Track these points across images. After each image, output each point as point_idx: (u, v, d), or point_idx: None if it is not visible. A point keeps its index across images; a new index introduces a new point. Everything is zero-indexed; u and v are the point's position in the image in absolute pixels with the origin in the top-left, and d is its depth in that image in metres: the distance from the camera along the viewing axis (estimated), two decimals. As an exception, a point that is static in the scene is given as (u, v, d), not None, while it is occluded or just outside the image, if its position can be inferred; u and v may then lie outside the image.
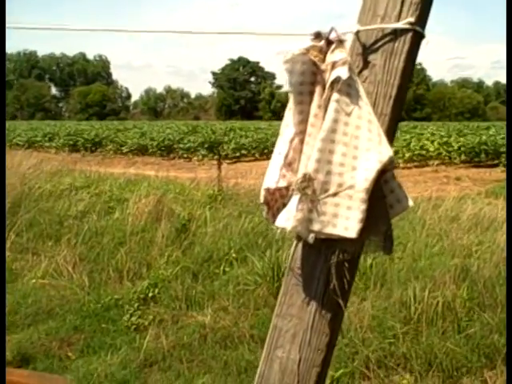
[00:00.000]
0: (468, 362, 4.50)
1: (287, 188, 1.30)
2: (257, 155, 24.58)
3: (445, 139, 24.13)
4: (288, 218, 1.22)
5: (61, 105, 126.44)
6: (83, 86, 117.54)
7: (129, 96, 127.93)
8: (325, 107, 1.23)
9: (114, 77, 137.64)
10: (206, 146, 24.30)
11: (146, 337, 5.17)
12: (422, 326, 4.96)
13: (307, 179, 1.18)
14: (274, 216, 1.32)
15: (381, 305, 5.28)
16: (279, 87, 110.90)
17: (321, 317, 1.25)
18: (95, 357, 4.94)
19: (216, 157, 17.49)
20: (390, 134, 1.27)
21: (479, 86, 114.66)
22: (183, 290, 5.80)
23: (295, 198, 1.21)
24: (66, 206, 8.27)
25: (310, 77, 1.26)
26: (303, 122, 1.26)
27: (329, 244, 1.24)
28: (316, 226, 1.20)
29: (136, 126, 41.88)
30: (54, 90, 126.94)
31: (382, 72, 1.29)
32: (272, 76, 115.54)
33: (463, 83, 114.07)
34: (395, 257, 6.37)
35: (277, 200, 1.32)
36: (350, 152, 1.20)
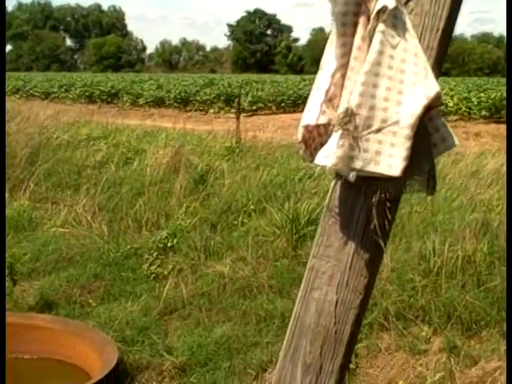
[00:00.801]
0: (487, 315, 4.49)
1: (325, 126, 1.25)
2: (273, 108, 24.34)
3: (464, 94, 23.73)
4: (328, 156, 1.18)
5: (76, 56, 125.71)
6: (98, 38, 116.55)
7: (144, 48, 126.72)
8: (369, 39, 1.17)
9: (129, 28, 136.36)
10: (222, 98, 24.11)
11: (166, 285, 5.22)
12: (442, 279, 4.94)
13: (349, 114, 1.13)
14: (312, 155, 1.28)
15: (400, 257, 5.26)
16: (296, 40, 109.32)
17: (359, 258, 1.22)
18: (116, 304, 5.00)
19: (232, 110, 17.34)
20: (437, 69, 1.21)
21: (500, 42, 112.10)
22: (202, 241, 5.81)
23: (336, 135, 1.16)
24: (83, 156, 8.28)
25: (354, 7, 1.20)
26: (345, 55, 1.20)
27: (370, 183, 1.20)
28: (357, 164, 1.15)
29: (152, 78, 41.59)
30: (68, 42, 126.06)
31: (430, 3, 1.22)
32: (289, 29, 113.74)
33: (483, 38, 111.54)
34: (414, 210, 6.32)
35: (314, 138, 1.28)
36: (395, 86, 1.14)
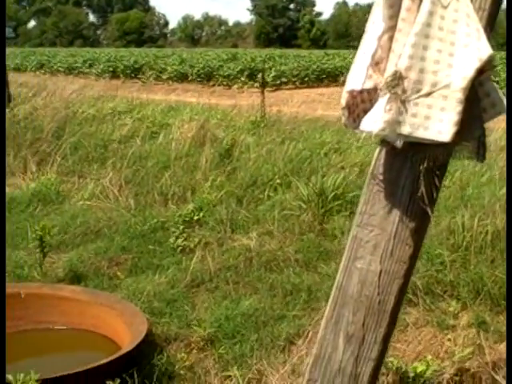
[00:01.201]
0: (517, 290, 4.43)
1: (370, 92, 1.21)
2: (297, 83, 24.14)
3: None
4: (375, 121, 1.14)
5: (99, 32, 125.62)
6: (121, 13, 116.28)
7: (166, 23, 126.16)
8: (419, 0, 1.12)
9: (152, 3, 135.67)
10: (245, 73, 23.96)
11: (193, 258, 5.24)
12: (471, 254, 4.88)
13: (397, 77, 1.09)
14: (355, 121, 1.24)
15: (428, 232, 5.20)
16: (319, 14, 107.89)
17: (404, 227, 1.19)
18: (143, 276, 5.03)
19: (256, 84, 17.20)
20: (489, 31, 1.16)
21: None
22: (228, 214, 5.81)
23: (383, 99, 1.12)
24: (109, 130, 8.30)
25: (404, -35, 1.15)
26: (393, 17, 1.15)
27: (417, 149, 1.16)
28: (405, 129, 1.11)
29: (175, 53, 41.46)
30: (91, 17, 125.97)
31: (482, -39, 1.17)
32: (312, 3, 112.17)
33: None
34: (442, 185, 6.24)
35: (358, 104, 1.24)
36: (446, 48, 1.10)
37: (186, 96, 15.48)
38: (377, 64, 1.17)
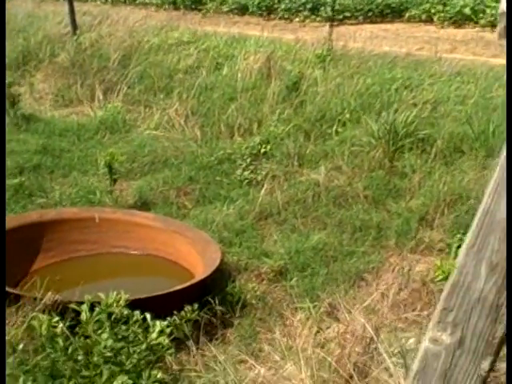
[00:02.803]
0: None
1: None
2: (360, 18, 23.32)
3: None
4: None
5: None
6: None
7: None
8: None
9: None
10: (308, 7, 23.27)
11: (260, 191, 5.20)
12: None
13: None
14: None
15: None
16: None
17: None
18: (211, 207, 5.04)
19: (318, 18, 16.73)
20: None
21: None
22: (295, 148, 5.72)
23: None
24: (174, 60, 8.19)
25: None
26: None
27: None
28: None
29: (234, -15, 40.53)
30: None
31: None
32: None
33: None
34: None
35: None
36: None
37: (247, 29, 15.18)
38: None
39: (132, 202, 4.98)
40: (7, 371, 2.14)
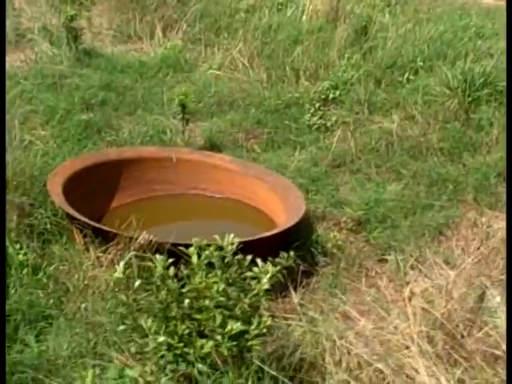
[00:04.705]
0: None
1: None
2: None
3: None
4: None
5: None
6: None
7: None
8: None
9: None
10: None
11: (331, 138, 5.06)
12: None
13: None
14: None
15: None
16: None
17: None
18: (282, 152, 4.93)
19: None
20: None
21: None
22: (366, 95, 5.52)
23: None
24: (236, -2, 7.90)
25: None
26: None
27: None
28: None
29: None
30: None
31: None
32: None
33: None
34: None
35: None
36: None
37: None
38: None
39: (201, 143, 4.87)
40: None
